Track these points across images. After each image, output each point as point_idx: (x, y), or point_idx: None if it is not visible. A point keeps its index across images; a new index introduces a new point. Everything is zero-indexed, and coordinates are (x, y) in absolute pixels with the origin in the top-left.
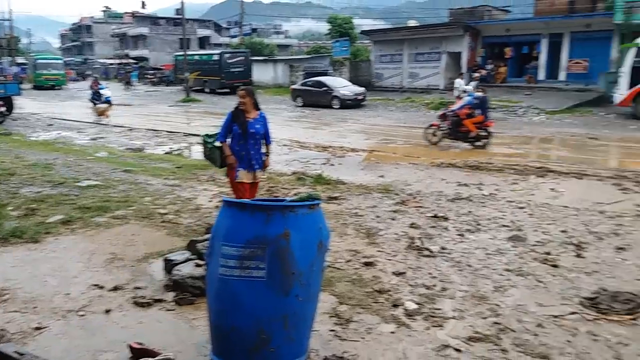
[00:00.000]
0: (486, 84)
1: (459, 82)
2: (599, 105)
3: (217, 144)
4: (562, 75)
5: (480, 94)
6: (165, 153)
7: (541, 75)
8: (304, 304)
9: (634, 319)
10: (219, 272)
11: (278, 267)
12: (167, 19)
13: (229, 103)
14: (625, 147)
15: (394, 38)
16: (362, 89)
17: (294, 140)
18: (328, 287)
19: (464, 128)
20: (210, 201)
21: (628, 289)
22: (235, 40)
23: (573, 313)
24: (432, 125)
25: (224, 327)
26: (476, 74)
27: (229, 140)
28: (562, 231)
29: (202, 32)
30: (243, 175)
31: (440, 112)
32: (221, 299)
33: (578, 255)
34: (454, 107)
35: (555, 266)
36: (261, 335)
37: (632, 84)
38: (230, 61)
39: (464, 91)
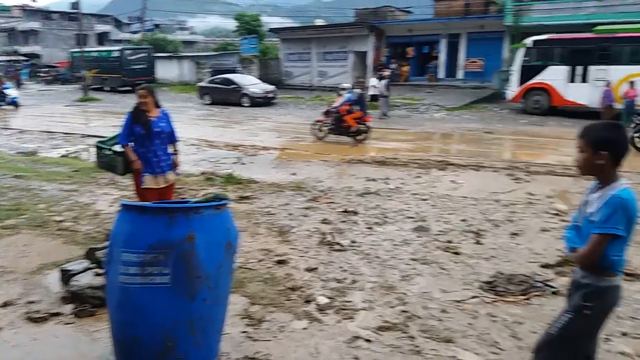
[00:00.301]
0: (391, 83)
1: (374, 81)
2: (493, 102)
3: (117, 148)
4: (460, 74)
5: (358, 91)
6: (61, 156)
7: (441, 73)
8: (212, 307)
9: (527, 299)
10: (120, 280)
11: (183, 271)
12: (62, 13)
13: (131, 102)
14: (517, 140)
15: (302, 37)
16: (272, 87)
17: (202, 139)
18: (239, 288)
19: (345, 123)
20: (110, 206)
21: (521, 272)
22: (137, 37)
23: (474, 297)
24: (317, 121)
25: (127, 338)
26: (386, 73)
27: (131, 144)
28: (462, 220)
29: (101, 27)
30: (150, 181)
31: (324, 109)
32: (123, 308)
33: (477, 242)
34: (335, 104)
35: (456, 253)
36: (167, 342)
37: (522, 81)
38: (131, 58)
39: (374, 86)
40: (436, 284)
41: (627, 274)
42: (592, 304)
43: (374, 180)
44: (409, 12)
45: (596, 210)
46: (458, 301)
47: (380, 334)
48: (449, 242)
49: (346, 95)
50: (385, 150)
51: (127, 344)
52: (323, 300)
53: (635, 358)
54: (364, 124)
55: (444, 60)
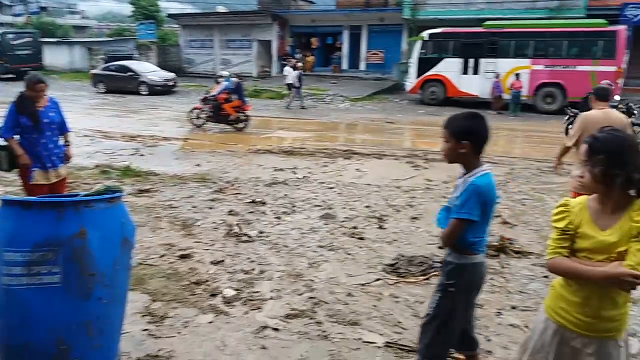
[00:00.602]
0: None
1: (289, 70)
2: (394, 93)
3: (1, 142)
4: (362, 65)
5: (235, 79)
6: None
7: (345, 65)
8: (108, 306)
9: (427, 279)
10: (3, 282)
11: (75, 269)
12: None
13: (15, 90)
14: (416, 130)
15: (204, 23)
16: (172, 75)
17: (96, 130)
18: (139, 285)
19: (223, 111)
20: None
21: (421, 253)
22: (21, 20)
23: (377, 280)
24: (194, 108)
25: (16, 344)
26: (299, 63)
27: (16, 136)
28: (367, 206)
29: None
30: (40, 177)
31: (202, 96)
32: (9, 312)
33: (380, 227)
34: (213, 92)
35: (361, 239)
36: (60, 346)
37: (420, 73)
38: (14, 43)
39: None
40: (342, 269)
41: (515, 252)
42: (454, 281)
43: (281, 170)
44: (311, 2)
45: (457, 195)
46: (363, 284)
47: (288, 322)
48: (354, 228)
49: (224, 83)
50: (293, 140)
51: (16, 350)
52: (230, 292)
53: (524, 329)
54: (243, 113)
55: (347, 51)
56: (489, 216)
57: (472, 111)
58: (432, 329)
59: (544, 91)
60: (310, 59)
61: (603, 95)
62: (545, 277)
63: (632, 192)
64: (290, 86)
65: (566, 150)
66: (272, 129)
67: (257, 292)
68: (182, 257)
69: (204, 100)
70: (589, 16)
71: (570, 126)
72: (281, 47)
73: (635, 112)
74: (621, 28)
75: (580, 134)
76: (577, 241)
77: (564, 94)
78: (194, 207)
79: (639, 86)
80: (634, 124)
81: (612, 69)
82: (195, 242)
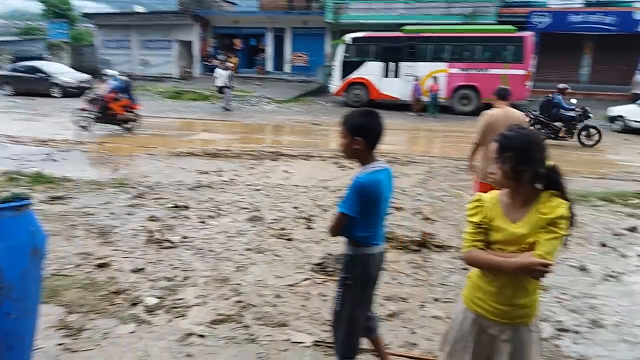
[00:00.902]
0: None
1: (219, 72)
2: (319, 95)
3: None
4: (287, 68)
5: (125, 78)
6: None
7: (269, 67)
8: (18, 321)
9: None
10: None
11: None
12: None
13: None
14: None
15: (121, 23)
16: (87, 77)
17: (3, 134)
18: (53, 297)
19: (111, 111)
20: None
21: None
22: None
23: (306, 279)
24: (80, 109)
25: None
26: (230, 64)
27: None
28: (294, 207)
29: None
30: None
31: (89, 97)
32: None
33: (308, 227)
34: (100, 91)
35: (289, 239)
36: None
37: (343, 76)
38: None
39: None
40: (270, 270)
41: (437, 246)
42: (350, 274)
43: (206, 173)
44: (234, 3)
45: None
46: (291, 285)
47: (214, 328)
48: (283, 229)
49: (112, 82)
50: (218, 142)
51: None
52: (152, 300)
53: (446, 320)
54: (132, 112)
55: (271, 53)
56: (379, 211)
57: (367, 109)
58: (341, 325)
59: (460, 93)
60: (234, 60)
61: (503, 95)
62: (465, 269)
63: (539, 186)
64: (221, 88)
65: (476, 146)
66: (195, 131)
67: (181, 299)
68: (100, 266)
69: (92, 101)
70: (499, 22)
71: (531, 128)
72: (203, 48)
73: (590, 115)
74: (528, 34)
75: (484, 131)
76: (491, 234)
77: (478, 96)
78: (112, 213)
79: (547, 89)
80: (589, 127)
81: (522, 72)
82: (114, 250)
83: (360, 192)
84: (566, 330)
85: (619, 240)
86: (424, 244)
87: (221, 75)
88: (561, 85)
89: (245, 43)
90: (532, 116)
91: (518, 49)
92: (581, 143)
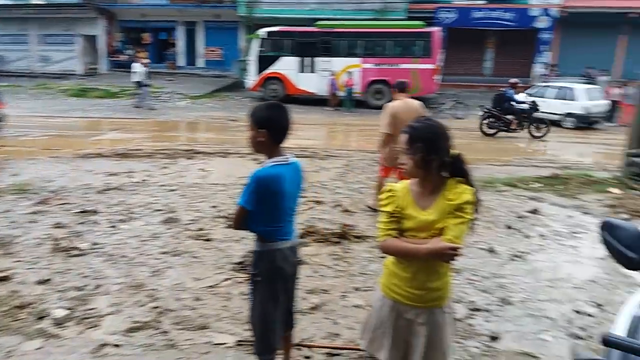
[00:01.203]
0: (128, 70)
1: (136, 66)
2: (234, 90)
3: None
4: (200, 62)
5: None
6: None
7: (181, 61)
8: None
9: None
10: None
11: None
12: None
13: None
14: None
15: (17, 16)
16: None
17: None
18: None
19: None
20: None
21: None
22: None
23: (227, 279)
24: None
25: None
26: (146, 60)
27: None
28: (213, 207)
29: None
30: None
31: None
32: None
33: (228, 226)
34: None
35: (208, 240)
36: None
37: (259, 70)
38: None
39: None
40: (188, 273)
41: (356, 237)
42: (258, 271)
43: (115, 174)
44: None
45: None
46: (211, 286)
47: (130, 336)
48: (200, 229)
49: None
50: (127, 141)
51: None
52: (60, 313)
53: (367, 308)
54: None
55: (183, 48)
56: (282, 205)
57: (274, 102)
58: (255, 323)
59: (374, 88)
60: (143, 55)
61: (402, 88)
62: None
63: (446, 174)
64: (139, 84)
65: (388, 137)
66: (102, 130)
67: (92, 309)
68: (1, 279)
69: None
70: (409, 18)
71: (485, 121)
72: (109, 43)
73: (539, 107)
74: (436, 29)
75: (390, 122)
76: (404, 222)
77: (391, 91)
78: (13, 222)
79: (455, 82)
80: (538, 119)
81: (430, 66)
82: (16, 261)
83: (257, 185)
84: (478, 310)
85: (523, 222)
86: (344, 235)
87: (138, 71)
88: (512, 80)
89: (155, 37)
90: (485, 110)
91: (427, 44)
92: (531, 135)
